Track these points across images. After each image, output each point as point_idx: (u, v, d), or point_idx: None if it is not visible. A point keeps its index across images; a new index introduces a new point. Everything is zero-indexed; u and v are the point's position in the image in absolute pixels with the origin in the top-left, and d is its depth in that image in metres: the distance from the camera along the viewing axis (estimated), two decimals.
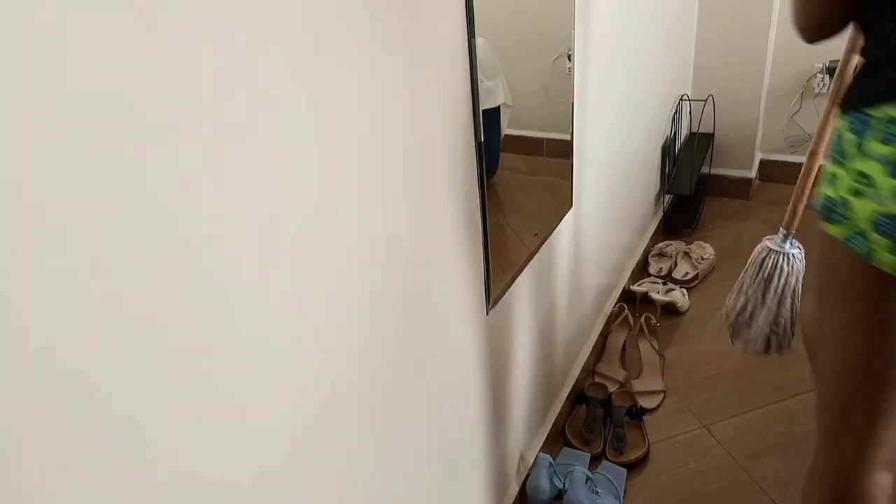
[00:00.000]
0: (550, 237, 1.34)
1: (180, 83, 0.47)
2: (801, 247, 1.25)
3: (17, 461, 0.41)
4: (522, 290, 1.23)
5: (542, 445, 1.45)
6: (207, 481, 0.56)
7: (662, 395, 1.70)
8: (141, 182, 0.46)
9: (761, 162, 2.81)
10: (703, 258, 2.24)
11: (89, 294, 0.43)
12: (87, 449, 0.45)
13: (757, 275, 1.27)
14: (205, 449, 0.55)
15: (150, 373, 0.49)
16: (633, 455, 1.51)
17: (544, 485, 1.33)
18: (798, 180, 1.23)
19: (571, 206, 1.43)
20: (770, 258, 1.25)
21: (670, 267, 2.23)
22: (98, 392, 0.45)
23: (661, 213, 2.48)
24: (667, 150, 2.40)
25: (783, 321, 1.22)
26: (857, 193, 0.71)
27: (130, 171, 0.45)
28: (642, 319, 1.88)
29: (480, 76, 0.90)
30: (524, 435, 1.39)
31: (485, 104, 0.93)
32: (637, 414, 1.59)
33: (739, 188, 2.74)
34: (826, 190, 0.76)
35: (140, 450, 0.49)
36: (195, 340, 0.53)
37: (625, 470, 1.46)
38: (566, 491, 1.31)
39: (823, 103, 2.50)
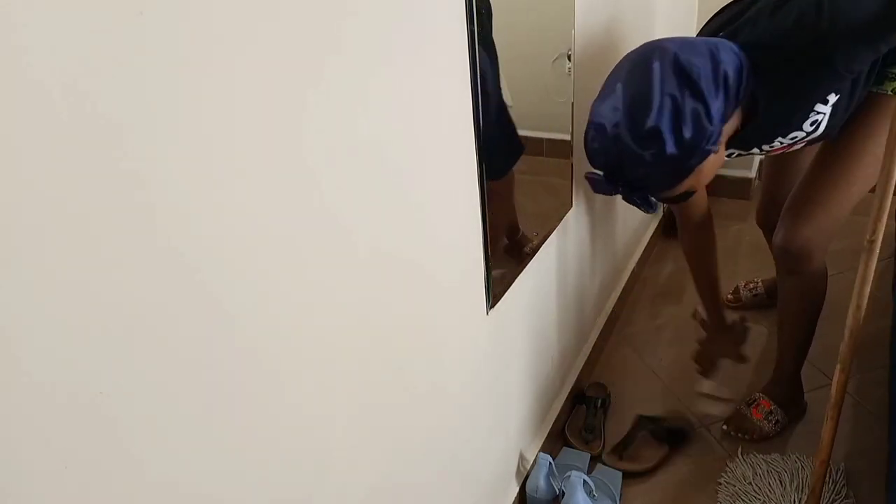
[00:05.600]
0: (550, 237, 1.34)
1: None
2: None
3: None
4: (522, 290, 1.23)
5: (542, 445, 1.45)
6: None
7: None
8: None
9: (761, 162, 2.81)
10: None
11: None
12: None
13: None
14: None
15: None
16: (636, 466, 1.49)
17: (544, 485, 1.33)
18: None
19: (571, 206, 1.43)
20: None
21: None
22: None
23: (661, 213, 2.48)
24: None
25: None
26: None
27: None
28: None
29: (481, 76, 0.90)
30: (524, 434, 1.39)
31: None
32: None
33: (739, 188, 2.73)
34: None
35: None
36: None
37: (620, 473, 1.45)
38: (563, 494, 1.31)
39: None
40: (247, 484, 0.61)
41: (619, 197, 1.17)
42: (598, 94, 1.09)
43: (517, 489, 1.36)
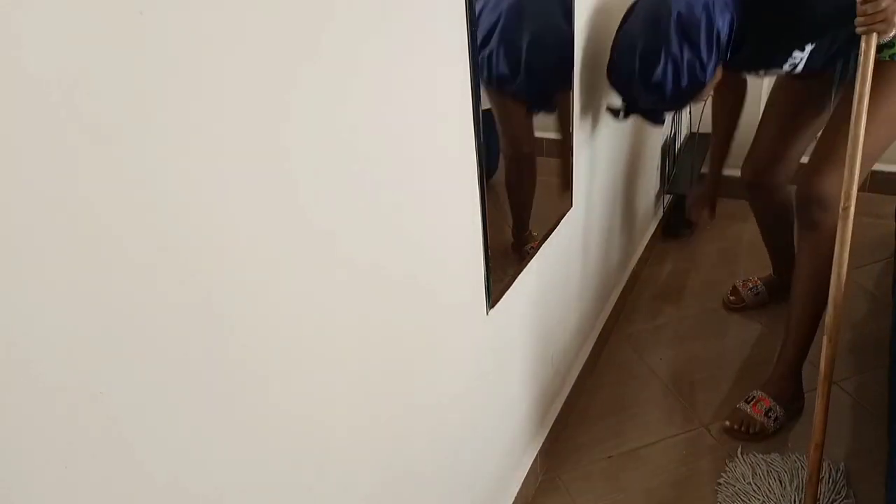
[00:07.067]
0: (550, 237, 1.34)
1: None
2: None
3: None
4: (522, 290, 1.23)
5: (541, 446, 1.45)
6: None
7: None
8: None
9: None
10: None
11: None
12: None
13: None
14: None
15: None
16: None
17: None
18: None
19: (571, 206, 1.43)
20: None
21: None
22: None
23: (660, 213, 2.48)
24: (667, 150, 2.40)
25: None
26: None
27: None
28: None
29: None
30: (524, 434, 1.39)
31: (485, 104, 0.93)
32: None
33: (739, 188, 2.73)
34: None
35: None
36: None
37: None
38: None
39: None
40: (247, 483, 0.61)
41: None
42: (623, 26, 1.34)
43: (516, 491, 1.35)
